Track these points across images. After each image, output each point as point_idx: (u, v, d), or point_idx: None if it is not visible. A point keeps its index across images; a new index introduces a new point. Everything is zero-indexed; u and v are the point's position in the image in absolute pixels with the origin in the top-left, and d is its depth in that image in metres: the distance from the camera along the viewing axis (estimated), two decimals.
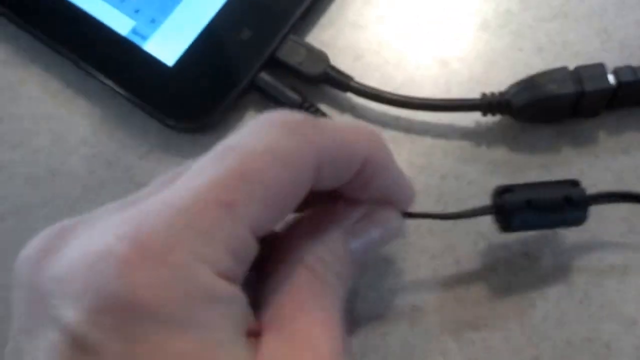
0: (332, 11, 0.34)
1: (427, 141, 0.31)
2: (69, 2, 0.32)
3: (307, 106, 0.31)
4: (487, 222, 0.27)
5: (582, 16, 0.33)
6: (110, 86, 0.31)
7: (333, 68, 0.31)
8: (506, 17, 0.34)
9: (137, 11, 0.32)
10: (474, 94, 0.30)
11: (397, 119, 0.32)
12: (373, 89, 0.31)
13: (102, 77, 0.31)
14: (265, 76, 0.31)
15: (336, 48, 0.33)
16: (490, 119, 0.31)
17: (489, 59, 0.33)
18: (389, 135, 0.31)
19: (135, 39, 0.32)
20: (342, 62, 0.32)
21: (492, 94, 0.30)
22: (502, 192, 0.26)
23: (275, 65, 0.31)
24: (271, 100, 0.31)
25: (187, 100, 0.31)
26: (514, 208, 0.26)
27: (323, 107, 0.31)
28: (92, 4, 0.32)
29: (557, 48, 0.33)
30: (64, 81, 0.33)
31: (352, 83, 0.31)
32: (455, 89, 0.32)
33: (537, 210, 0.26)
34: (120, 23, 0.32)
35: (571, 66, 0.30)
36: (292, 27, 0.32)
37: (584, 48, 0.33)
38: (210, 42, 0.32)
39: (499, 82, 0.31)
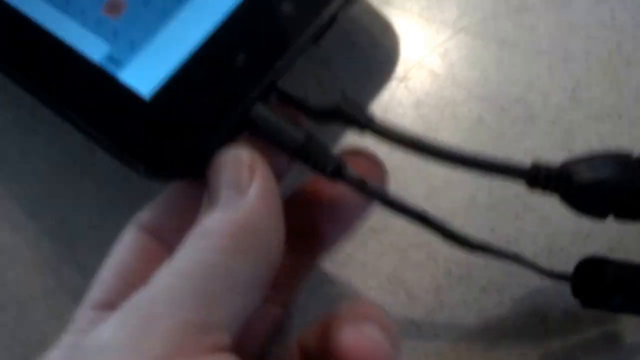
0: None
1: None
2: (31, 21, 0.27)
3: (313, 146, 0.23)
4: None
5: (637, 118, 0.29)
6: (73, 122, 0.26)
7: (349, 100, 0.24)
8: (556, 113, 0.29)
9: (114, 34, 0.26)
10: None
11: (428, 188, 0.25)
12: (398, 129, 0.24)
13: (62, 110, 0.26)
14: (261, 109, 0.24)
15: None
16: None
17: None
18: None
19: (109, 67, 0.26)
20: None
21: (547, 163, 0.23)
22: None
23: (277, 98, 0.25)
24: (268, 139, 0.24)
25: (165, 140, 0.25)
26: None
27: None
28: (60, 24, 0.27)
29: None
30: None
31: (371, 121, 0.24)
32: (497, 190, 0.29)
33: None
34: (93, 48, 0.26)
35: None
36: (298, 50, 0.25)
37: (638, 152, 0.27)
38: (197, 69, 0.25)
39: None
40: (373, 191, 0.23)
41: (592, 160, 0.23)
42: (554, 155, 0.28)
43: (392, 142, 0.24)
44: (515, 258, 0.25)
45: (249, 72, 0.25)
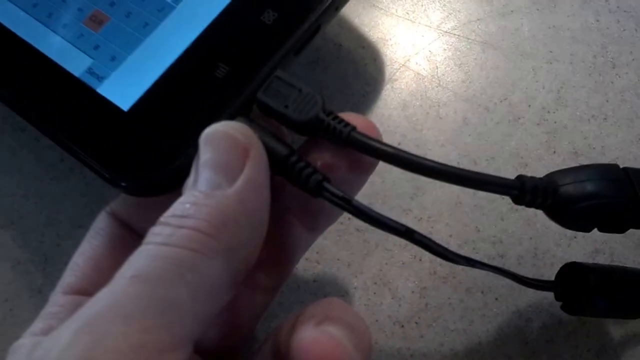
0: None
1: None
2: (12, 34, 0.27)
3: (293, 161, 0.23)
4: None
5: (623, 119, 0.29)
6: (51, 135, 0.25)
7: (330, 113, 0.23)
8: (541, 114, 0.29)
9: (96, 47, 0.26)
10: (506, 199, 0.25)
11: (413, 188, 0.25)
12: (379, 143, 0.23)
13: (41, 124, 0.25)
14: (242, 122, 0.23)
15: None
16: None
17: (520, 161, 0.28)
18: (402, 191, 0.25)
19: (90, 80, 0.26)
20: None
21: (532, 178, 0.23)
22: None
23: (258, 108, 0.24)
24: None
25: (144, 153, 0.24)
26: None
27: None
28: (42, 36, 0.27)
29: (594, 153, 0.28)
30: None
31: (352, 134, 0.23)
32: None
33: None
34: (74, 62, 0.26)
35: None
36: (279, 61, 0.25)
37: (623, 154, 0.28)
38: (176, 81, 0.25)
39: None
40: (358, 210, 0.22)
41: (578, 174, 0.22)
42: (538, 156, 0.28)
43: (373, 156, 0.23)
44: (499, 271, 0.24)
45: (229, 84, 0.25)
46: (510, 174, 0.27)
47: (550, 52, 0.30)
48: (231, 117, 0.24)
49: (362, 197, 0.23)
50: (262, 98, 0.24)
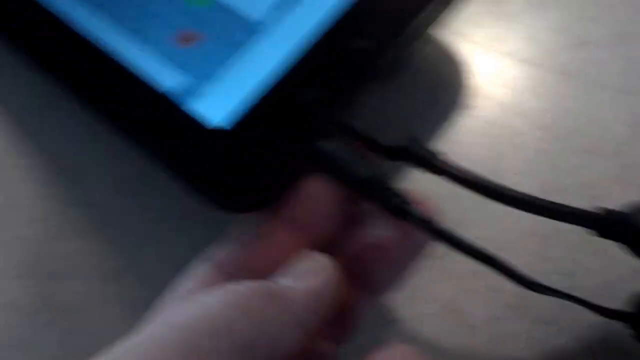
0: None
1: None
2: (106, 54, 0.28)
3: (376, 182, 0.24)
4: None
5: None
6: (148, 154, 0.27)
7: (417, 141, 0.24)
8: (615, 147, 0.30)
9: (187, 64, 0.28)
10: None
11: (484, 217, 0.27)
12: (465, 171, 0.24)
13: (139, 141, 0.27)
14: (328, 145, 0.24)
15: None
16: None
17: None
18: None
19: (184, 97, 0.27)
20: None
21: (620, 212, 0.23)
22: None
23: (347, 132, 0.25)
24: (334, 174, 0.24)
25: (246, 172, 0.25)
26: None
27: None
28: (134, 53, 0.28)
29: None
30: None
31: (437, 162, 0.24)
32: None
33: None
34: (169, 77, 0.27)
35: None
36: (369, 87, 0.26)
37: None
38: (270, 103, 0.26)
39: None
40: (439, 231, 0.23)
41: None
42: (610, 190, 0.29)
43: (459, 184, 0.24)
44: (580, 301, 0.25)
45: (319, 108, 0.26)
46: (581, 206, 0.29)
47: (627, 84, 0.31)
48: (319, 140, 0.24)
49: None
50: (352, 124, 0.25)
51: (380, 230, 0.24)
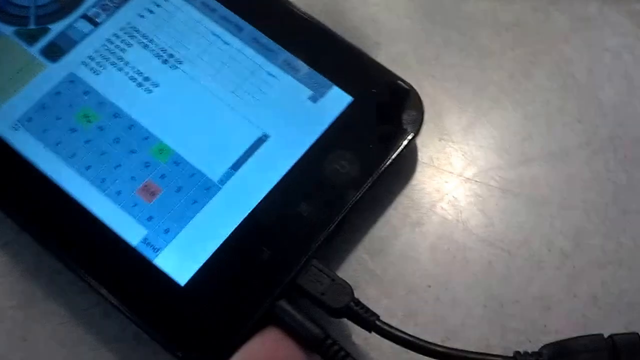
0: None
1: None
2: (73, 200, 0.29)
3: (329, 344, 0.27)
4: None
5: (636, 265, 0.31)
6: (114, 304, 0.28)
7: (357, 303, 0.28)
8: (560, 259, 0.32)
9: (149, 219, 0.29)
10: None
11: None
12: (399, 332, 0.27)
13: (103, 291, 0.28)
14: (284, 305, 0.27)
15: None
16: None
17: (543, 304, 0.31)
18: None
19: (146, 251, 0.28)
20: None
21: (526, 353, 0.28)
22: None
23: (296, 292, 0.28)
24: (289, 332, 0.27)
25: (199, 327, 0.27)
26: None
27: (346, 345, 0.28)
28: (100, 205, 0.29)
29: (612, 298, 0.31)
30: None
31: (377, 322, 0.27)
32: (510, 334, 0.30)
33: None
34: (130, 231, 0.28)
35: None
36: (315, 251, 0.28)
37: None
38: (226, 261, 0.28)
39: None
40: None
41: (566, 347, 0.27)
42: (559, 300, 0.30)
43: (394, 342, 0.27)
44: None
45: (272, 267, 0.28)
46: (536, 318, 0.30)
47: (565, 199, 0.32)
48: (274, 300, 0.27)
49: None
50: (302, 284, 0.28)
51: None
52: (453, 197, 0.33)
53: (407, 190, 0.33)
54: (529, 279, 0.31)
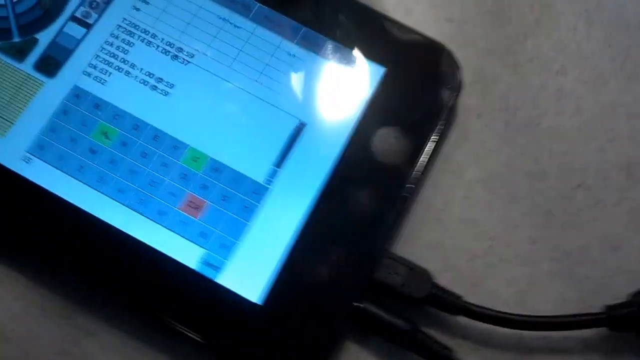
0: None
1: None
2: (114, 228, 0.26)
3: (420, 337, 0.25)
4: None
5: None
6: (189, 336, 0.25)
7: (439, 288, 0.26)
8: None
9: (202, 234, 0.26)
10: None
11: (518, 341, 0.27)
12: (484, 309, 0.26)
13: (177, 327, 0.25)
14: (369, 307, 0.25)
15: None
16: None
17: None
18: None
19: (207, 272, 0.26)
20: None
21: (617, 306, 0.26)
22: None
23: (374, 288, 0.26)
24: (376, 332, 0.26)
25: (284, 345, 0.25)
26: None
27: (431, 333, 0.27)
28: (144, 229, 0.26)
29: None
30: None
31: (461, 303, 0.26)
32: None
33: None
34: (185, 252, 0.26)
35: None
36: (384, 239, 0.27)
37: None
38: (297, 267, 0.26)
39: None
40: None
41: None
42: (627, 238, 0.29)
43: (484, 322, 0.26)
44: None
45: (348, 268, 0.26)
46: (606, 260, 0.29)
47: (612, 129, 0.31)
48: (356, 303, 0.25)
49: None
50: (381, 279, 0.26)
51: None
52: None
53: (453, 151, 0.31)
54: (591, 220, 0.30)
